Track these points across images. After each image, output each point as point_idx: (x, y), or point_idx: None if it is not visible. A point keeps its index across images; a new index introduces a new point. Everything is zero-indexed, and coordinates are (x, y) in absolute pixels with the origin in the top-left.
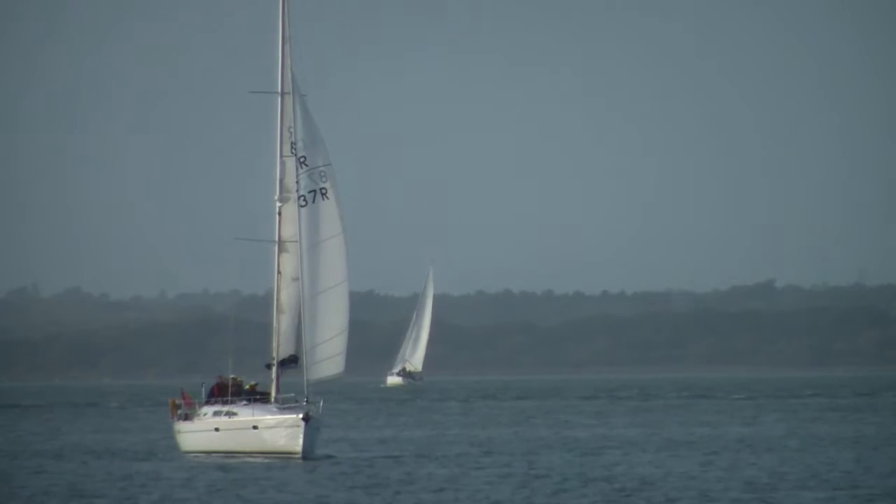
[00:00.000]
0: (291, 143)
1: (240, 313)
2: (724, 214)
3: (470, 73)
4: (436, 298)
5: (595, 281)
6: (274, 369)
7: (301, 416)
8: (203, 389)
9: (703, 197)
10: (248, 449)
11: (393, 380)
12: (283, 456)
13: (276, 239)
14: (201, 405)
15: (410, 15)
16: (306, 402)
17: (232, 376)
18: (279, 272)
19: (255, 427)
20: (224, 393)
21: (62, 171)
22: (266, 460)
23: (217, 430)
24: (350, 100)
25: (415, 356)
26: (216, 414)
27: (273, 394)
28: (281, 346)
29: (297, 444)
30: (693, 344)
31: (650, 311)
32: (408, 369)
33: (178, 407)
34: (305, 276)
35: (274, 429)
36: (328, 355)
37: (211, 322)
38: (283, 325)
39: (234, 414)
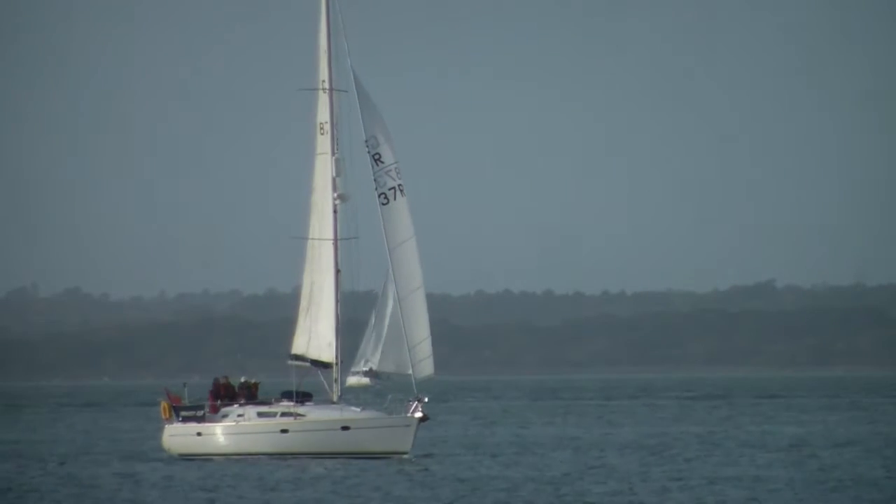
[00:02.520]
0: (365, 141)
1: (240, 313)
2: (724, 214)
3: (466, 72)
4: (436, 298)
5: (595, 281)
6: (335, 370)
7: (420, 416)
8: (185, 390)
9: (703, 197)
10: (329, 450)
11: (356, 379)
12: (382, 456)
13: (334, 237)
14: (220, 407)
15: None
16: (417, 401)
17: (243, 378)
18: (338, 270)
19: (345, 428)
20: (230, 394)
21: (62, 171)
22: (347, 461)
23: (286, 431)
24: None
25: (376, 356)
26: (261, 416)
27: (335, 394)
28: (323, 347)
29: (408, 444)
30: (693, 344)
31: (650, 311)
32: (374, 369)
33: (176, 409)
34: (395, 277)
35: (378, 429)
36: (424, 356)
37: (211, 322)
38: (321, 324)
39: (301, 415)
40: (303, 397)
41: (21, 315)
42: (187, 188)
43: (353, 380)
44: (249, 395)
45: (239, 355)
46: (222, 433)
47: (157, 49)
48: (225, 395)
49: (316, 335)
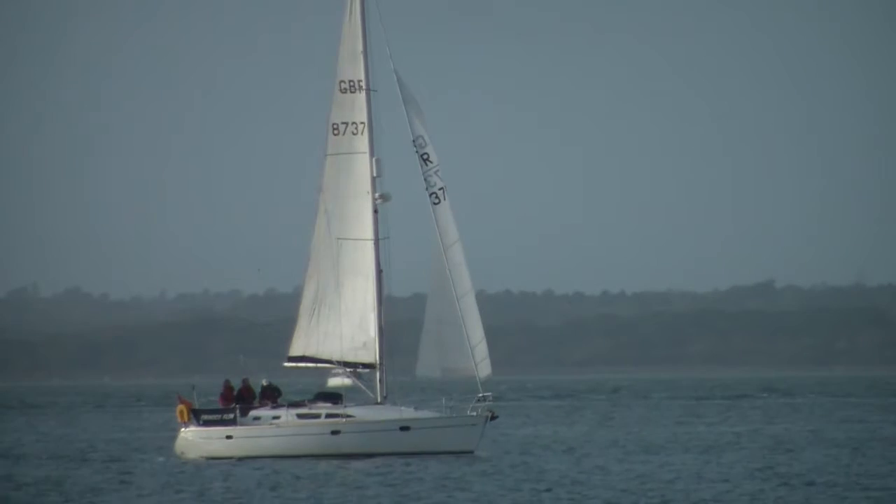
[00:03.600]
0: (413, 140)
1: (240, 313)
2: (724, 214)
3: (459, 71)
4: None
5: (595, 281)
6: (378, 371)
7: (490, 415)
8: (194, 392)
9: (702, 197)
10: (386, 451)
11: (336, 380)
12: (442, 455)
13: (374, 237)
14: (249, 409)
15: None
16: (485, 399)
17: (265, 381)
18: (381, 270)
19: (404, 428)
20: (250, 396)
21: (63, 171)
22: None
23: (337, 432)
24: None
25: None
26: (303, 417)
27: (379, 394)
28: (357, 349)
29: (474, 443)
30: (693, 344)
31: (650, 311)
32: (358, 369)
33: (196, 412)
34: (450, 278)
35: (442, 429)
36: (484, 356)
37: (211, 322)
38: (348, 325)
39: (350, 416)
40: (333, 398)
41: (21, 315)
42: (188, 188)
43: (335, 381)
44: (273, 397)
45: (242, 357)
46: (262, 435)
47: (158, 49)
48: (246, 397)
49: (338, 336)
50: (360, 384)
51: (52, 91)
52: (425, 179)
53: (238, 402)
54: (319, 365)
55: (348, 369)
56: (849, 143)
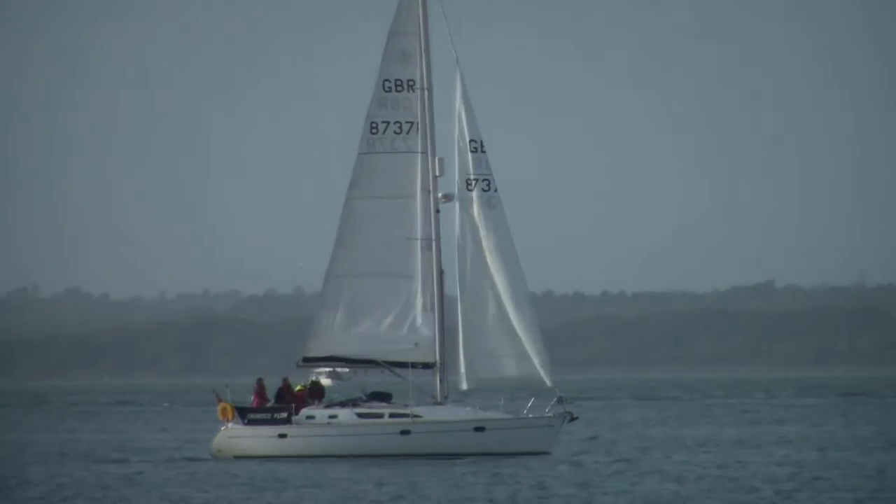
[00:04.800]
0: (471, 140)
1: (240, 313)
2: (723, 214)
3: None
4: None
5: (595, 281)
6: (438, 372)
7: (570, 416)
8: (227, 391)
9: (702, 197)
10: (458, 451)
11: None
12: (518, 455)
13: (435, 237)
14: (301, 408)
15: None
16: (561, 400)
17: (313, 378)
18: (442, 271)
19: (479, 429)
20: (290, 394)
21: (63, 171)
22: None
23: (407, 432)
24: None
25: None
26: (364, 417)
27: (440, 394)
28: (410, 349)
29: (552, 444)
30: (693, 344)
31: (650, 311)
32: (336, 370)
33: (242, 410)
34: (506, 282)
35: (519, 430)
36: (547, 361)
37: (211, 322)
38: (424, 322)
39: (418, 416)
40: (383, 398)
41: (21, 315)
42: (188, 188)
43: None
44: (320, 396)
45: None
46: (323, 435)
47: (157, 48)
48: (286, 396)
49: (380, 337)
50: (339, 383)
51: (52, 91)
52: (488, 179)
53: (278, 401)
54: (351, 366)
55: (395, 369)
56: (849, 143)
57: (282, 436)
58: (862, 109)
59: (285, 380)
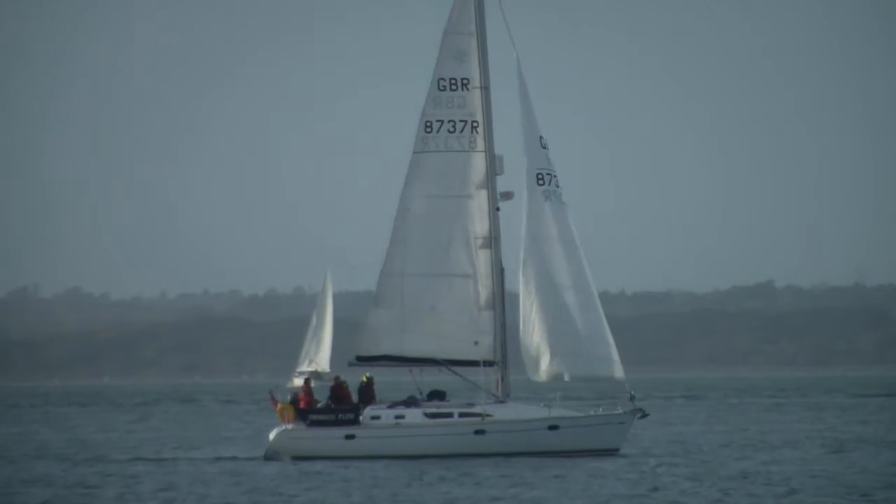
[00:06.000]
0: (539, 137)
1: (240, 313)
2: (723, 214)
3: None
4: None
5: (595, 281)
6: (500, 369)
7: (641, 413)
8: (276, 392)
9: (702, 197)
10: (532, 450)
11: (300, 381)
12: (587, 453)
13: (496, 234)
14: (365, 407)
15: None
16: (632, 398)
17: (366, 376)
18: (503, 269)
19: (553, 427)
20: (343, 394)
21: (63, 171)
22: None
23: (482, 432)
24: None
25: (319, 356)
26: (431, 416)
27: (499, 392)
28: (470, 347)
29: (621, 442)
30: (693, 344)
31: (650, 311)
32: (317, 370)
33: (303, 412)
34: (580, 277)
35: (592, 427)
36: (616, 356)
37: (211, 322)
38: (484, 321)
39: (489, 415)
40: (439, 396)
41: (21, 315)
42: (188, 188)
43: (298, 381)
44: (374, 395)
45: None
46: (396, 436)
47: (157, 47)
48: (340, 395)
49: (439, 335)
50: (323, 384)
51: (52, 91)
52: (554, 176)
53: (333, 401)
54: (407, 365)
55: (453, 368)
56: (848, 143)
57: (349, 437)
58: (862, 109)
59: (336, 378)
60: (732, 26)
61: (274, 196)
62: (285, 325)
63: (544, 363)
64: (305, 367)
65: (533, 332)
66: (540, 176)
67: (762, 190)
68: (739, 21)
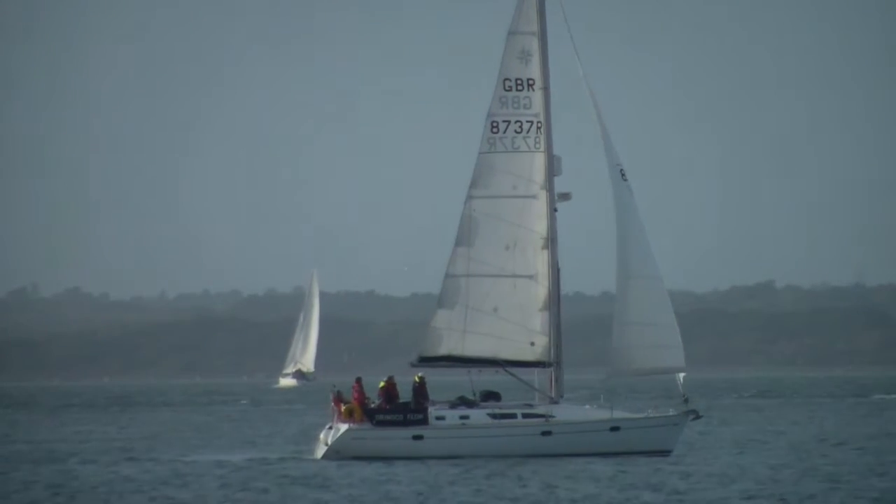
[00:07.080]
0: (603, 136)
1: (240, 313)
2: (724, 214)
3: (452, 76)
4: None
5: (595, 281)
6: (553, 370)
7: (695, 413)
8: (337, 392)
9: (702, 196)
10: (593, 451)
11: (286, 381)
12: (642, 455)
13: (553, 235)
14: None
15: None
16: (686, 399)
17: (419, 376)
18: (559, 268)
19: (614, 428)
20: (396, 395)
21: (63, 171)
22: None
23: (548, 433)
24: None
25: (305, 356)
26: (495, 417)
27: (556, 393)
28: (527, 348)
29: (674, 443)
30: (693, 344)
31: None
32: (302, 370)
33: (370, 412)
34: (651, 276)
35: (649, 428)
36: (683, 353)
37: (211, 322)
38: (541, 321)
39: (551, 416)
40: (492, 397)
41: (21, 315)
42: (188, 188)
43: (283, 381)
44: (426, 395)
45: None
46: (465, 437)
47: (155, 47)
48: (393, 396)
49: (497, 336)
50: (308, 384)
51: (52, 90)
52: (622, 171)
53: (386, 401)
54: (468, 366)
55: (508, 368)
56: (848, 143)
57: (417, 437)
58: (862, 110)
59: (390, 378)
60: (732, 26)
61: (274, 196)
62: (285, 325)
63: (613, 358)
64: (290, 369)
65: (616, 327)
66: (623, 172)
67: (762, 190)
68: (739, 21)
